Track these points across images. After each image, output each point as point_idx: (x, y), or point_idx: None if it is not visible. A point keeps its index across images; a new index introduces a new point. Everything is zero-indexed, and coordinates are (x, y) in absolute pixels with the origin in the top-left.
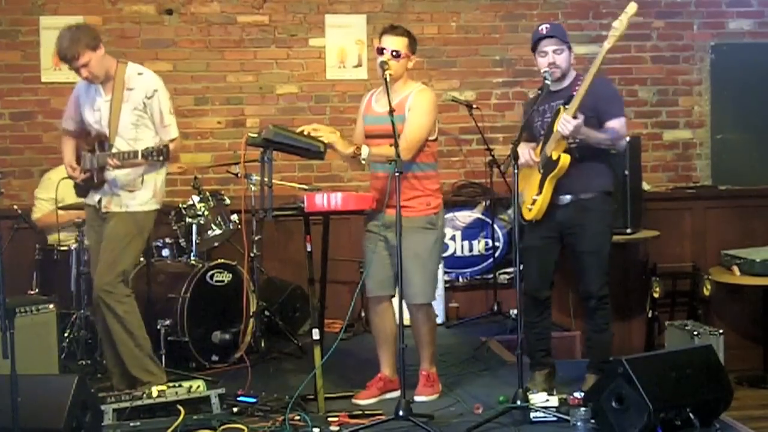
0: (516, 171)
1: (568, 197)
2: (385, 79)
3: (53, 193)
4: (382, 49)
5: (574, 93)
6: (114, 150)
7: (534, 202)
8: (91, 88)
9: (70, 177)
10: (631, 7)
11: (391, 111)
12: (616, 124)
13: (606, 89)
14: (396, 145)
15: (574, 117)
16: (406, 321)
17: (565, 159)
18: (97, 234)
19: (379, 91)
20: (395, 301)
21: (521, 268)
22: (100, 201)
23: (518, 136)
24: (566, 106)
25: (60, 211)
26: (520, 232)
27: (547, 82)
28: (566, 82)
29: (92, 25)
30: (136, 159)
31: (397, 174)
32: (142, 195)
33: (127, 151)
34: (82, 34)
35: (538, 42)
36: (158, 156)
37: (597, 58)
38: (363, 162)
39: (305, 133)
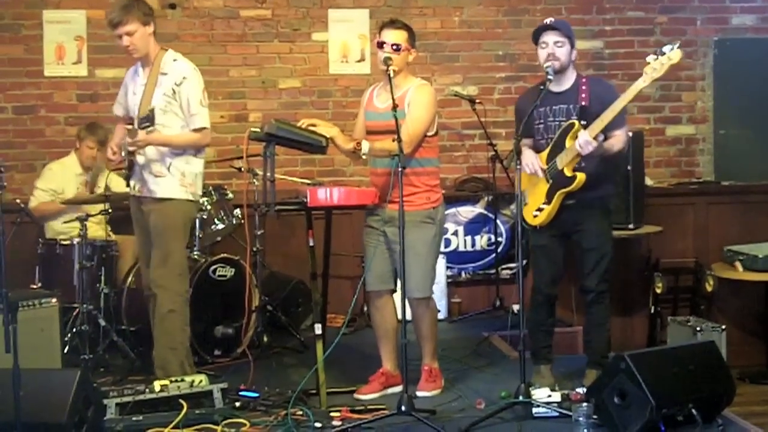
0: (519, 167)
1: (572, 201)
2: (389, 75)
3: (53, 184)
4: (382, 43)
5: (582, 101)
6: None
7: (541, 210)
8: (136, 73)
9: (109, 161)
10: (676, 55)
11: (395, 107)
12: (622, 134)
13: (611, 96)
14: (399, 141)
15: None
16: (408, 316)
17: (581, 178)
18: (140, 227)
19: (380, 86)
20: (396, 296)
21: (527, 265)
22: (135, 186)
23: (520, 131)
24: (582, 123)
25: (56, 201)
26: (525, 232)
27: (549, 77)
28: (568, 84)
29: (150, 5)
30: (139, 130)
31: (400, 169)
32: (168, 182)
33: (133, 126)
34: (137, 5)
35: (540, 33)
36: (146, 122)
37: (629, 92)
38: (363, 157)
39: (302, 126)
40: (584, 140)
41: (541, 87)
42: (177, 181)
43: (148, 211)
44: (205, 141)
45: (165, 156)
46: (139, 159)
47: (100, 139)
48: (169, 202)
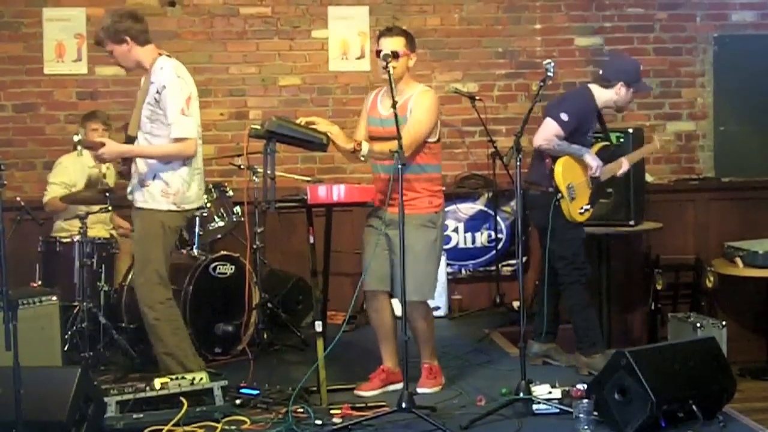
0: (519, 163)
1: None
2: (390, 82)
3: (65, 177)
4: (381, 51)
5: None
6: (136, 143)
7: (586, 210)
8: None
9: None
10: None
11: (394, 104)
12: None
13: None
14: (399, 137)
15: None
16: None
17: None
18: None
19: (383, 92)
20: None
21: (527, 262)
22: (129, 192)
23: (521, 128)
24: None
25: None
26: (525, 229)
27: (549, 74)
28: None
29: (136, 17)
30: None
31: (400, 166)
32: (149, 191)
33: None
34: (111, 25)
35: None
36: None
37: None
38: (362, 159)
39: (303, 123)
40: (627, 168)
41: (541, 84)
42: (158, 190)
43: (133, 218)
44: (188, 152)
45: (150, 165)
46: (133, 167)
47: (103, 120)
48: (148, 211)
